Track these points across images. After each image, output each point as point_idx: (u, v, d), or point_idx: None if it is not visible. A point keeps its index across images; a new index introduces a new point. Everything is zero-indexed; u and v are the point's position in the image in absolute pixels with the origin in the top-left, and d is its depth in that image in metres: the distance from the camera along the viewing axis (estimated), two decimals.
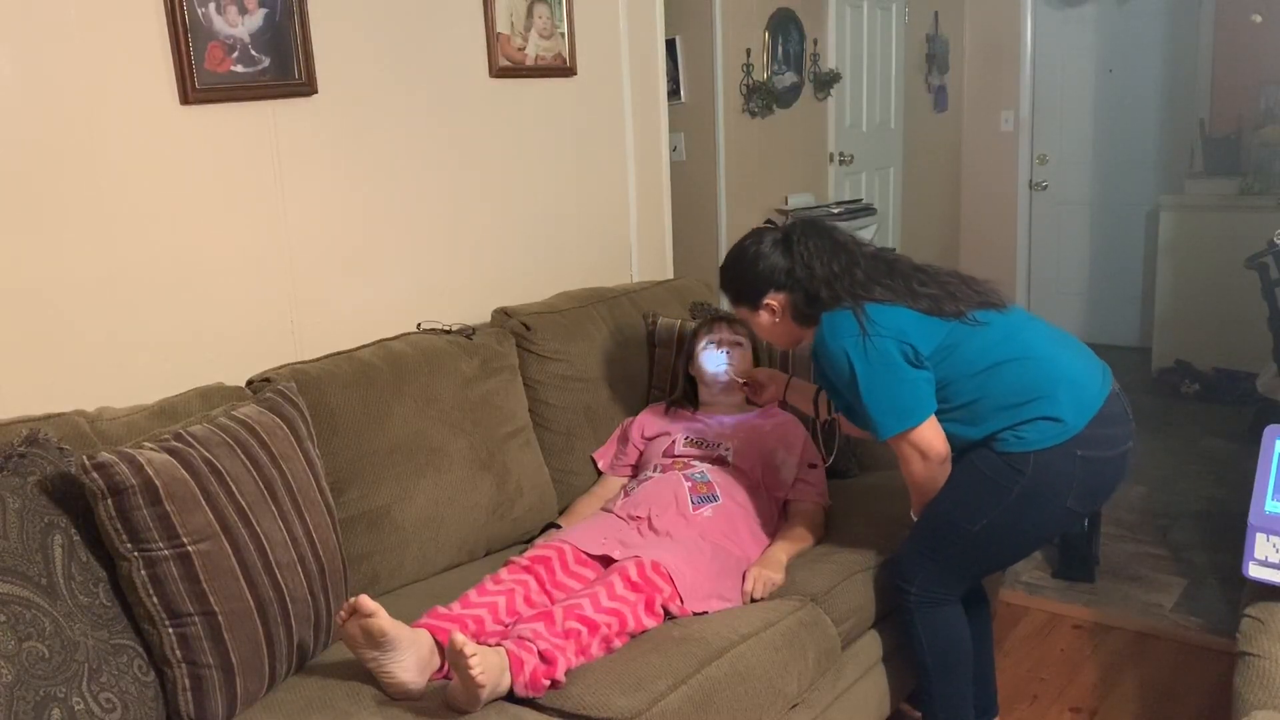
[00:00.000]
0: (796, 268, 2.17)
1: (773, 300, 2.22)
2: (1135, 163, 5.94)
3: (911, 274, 2.15)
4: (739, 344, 2.69)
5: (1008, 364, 2.09)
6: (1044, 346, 2.14)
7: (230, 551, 1.74)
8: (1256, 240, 4.45)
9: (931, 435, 2.10)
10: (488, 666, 1.75)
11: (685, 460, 2.53)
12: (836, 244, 2.18)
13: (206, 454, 1.77)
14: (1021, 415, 2.07)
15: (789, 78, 4.90)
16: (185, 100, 2.21)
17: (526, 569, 2.14)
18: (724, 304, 3.55)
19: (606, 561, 2.19)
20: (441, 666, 1.88)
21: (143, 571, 1.67)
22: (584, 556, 2.20)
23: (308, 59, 2.41)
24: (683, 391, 2.78)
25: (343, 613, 1.78)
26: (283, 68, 2.37)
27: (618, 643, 1.99)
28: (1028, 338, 2.15)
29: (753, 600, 2.22)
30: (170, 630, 1.70)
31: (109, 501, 1.64)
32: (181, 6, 2.16)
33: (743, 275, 2.25)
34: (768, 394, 2.56)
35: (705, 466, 2.49)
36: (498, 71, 2.89)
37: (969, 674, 2.30)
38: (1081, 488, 2.11)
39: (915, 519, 2.24)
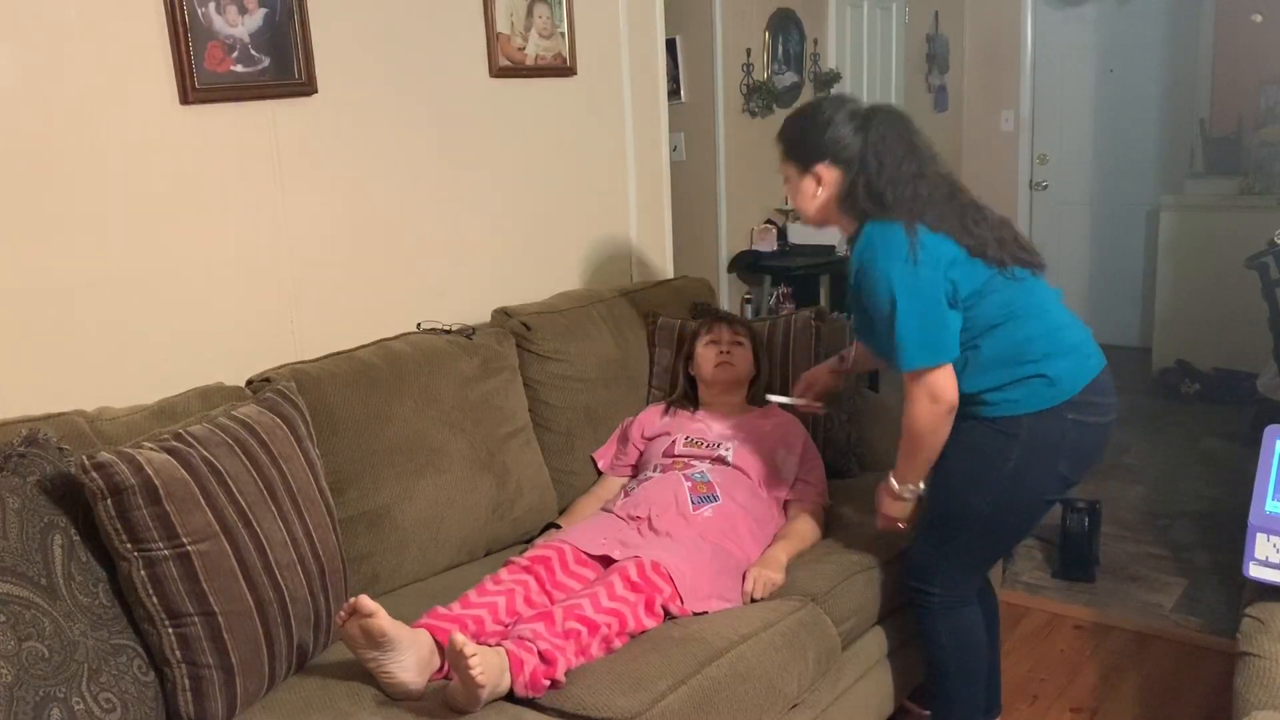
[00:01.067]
0: (868, 154, 2.04)
1: (825, 171, 2.09)
2: (1135, 163, 5.94)
3: (969, 208, 2.07)
4: (739, 344, 2.68)
5: (1019, 319, 2.06)
6: (1058, 313, 2.13)
7: (230, 552, 1.74)
8: (1256, 240, 4.44)
9: (946, 380, 2.04)
10: (488, 667, 1.75)
11: (685, 460, 2.52)
12: (913, 146, 2.07)
13: (206, 454, 1.77)
14: (1016, 374, 2.05)
15: (789, 77, 4.90)
16: (185, 100, 2.21)
17: (526, 569, 2.14)
18: (724, 304, 3.52)
19: (606, 561, 2.18)
20: (441, 666, 1.88)
21: (142, 571, 1.67)
22: (584, 556, 2.20)
23: (307, 59, 2.41)
24: (683, 391, 2.78)
25: (343, 613, 1.77)
26: (282, 68, 2.37)
27: (618, 643, 1.99)
28: (1044, 301, 2.12)
29: (753, 600, 2.22)
30: (170, 630, 1.70)
31: (109, 501, 1.64)
32: (181, 6, 2.16)
33: (805, 133, 2.11)
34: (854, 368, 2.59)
35: (705, 466, 2.49)
36: (498, 71, 2.88)
37: (983, 675, 2.31)
38: (1073, 451, 2.11)
39: (892, 490, 2.19)
